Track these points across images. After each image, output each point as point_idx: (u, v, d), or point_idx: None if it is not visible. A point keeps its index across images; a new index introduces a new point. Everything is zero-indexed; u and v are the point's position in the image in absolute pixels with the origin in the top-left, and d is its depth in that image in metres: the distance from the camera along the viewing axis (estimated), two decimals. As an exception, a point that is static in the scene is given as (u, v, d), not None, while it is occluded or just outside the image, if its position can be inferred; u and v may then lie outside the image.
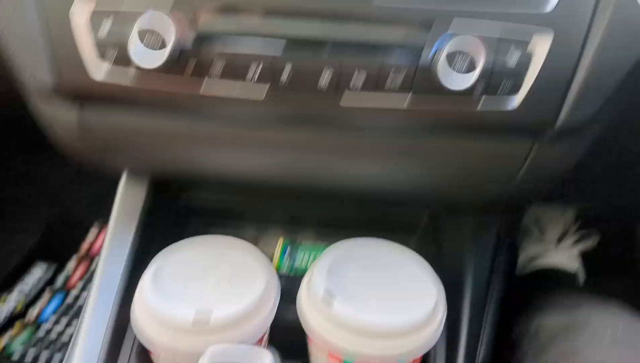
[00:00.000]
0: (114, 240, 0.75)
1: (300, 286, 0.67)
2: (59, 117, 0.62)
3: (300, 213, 0.83)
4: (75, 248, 1.52)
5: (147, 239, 0.76)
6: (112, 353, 0.67)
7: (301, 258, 0.81)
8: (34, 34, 0.55)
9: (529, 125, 0.57)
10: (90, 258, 1.50)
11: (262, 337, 0.66)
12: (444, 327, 0.66)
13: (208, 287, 0.66)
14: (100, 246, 0.77)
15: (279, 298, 0.67)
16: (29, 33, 0.55)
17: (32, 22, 0.55)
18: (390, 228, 0.79)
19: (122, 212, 0.77)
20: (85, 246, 1.53)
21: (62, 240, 1.54)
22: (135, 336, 0.65)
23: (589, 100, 0.55)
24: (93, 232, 1.56)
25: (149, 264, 0.68)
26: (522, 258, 1.07)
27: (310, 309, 0.63)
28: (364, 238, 0.71)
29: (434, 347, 0.66)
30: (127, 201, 0.77)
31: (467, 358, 0.69)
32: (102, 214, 1.42)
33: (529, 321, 0.79)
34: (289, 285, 0.70)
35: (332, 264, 0.66)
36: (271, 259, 0.77)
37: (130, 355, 0.68)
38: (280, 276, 0.70)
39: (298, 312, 0.65)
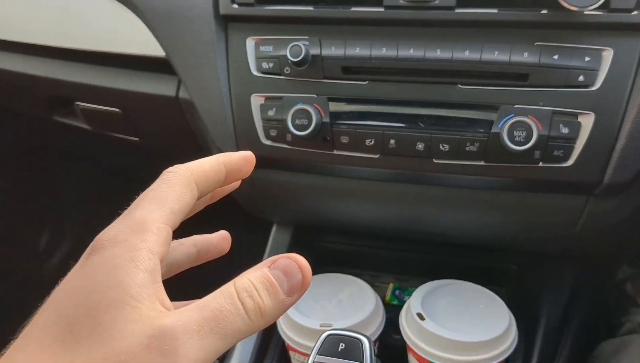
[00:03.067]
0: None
1: (402, 310, 0.86)
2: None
3: (408, 263, 1.03)
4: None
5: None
6: (262, 350, 0.89)
7: (407, 296, 0.99)
8: (226, 113, 0.82)
9: (581, 183, 0.72)
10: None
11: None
12: (517, 355, 0.80)
13: (330, 307, 0.87)
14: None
15: (384, 319, 0.86)
16: (221, 112, 0.83)
17: (225, 104, 0.82)
18: (483, 280, 0.94)
19: (272, 251, 1.01)
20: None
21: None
22: (279, 340, 0.87)
23: (629, 163, 0.70)
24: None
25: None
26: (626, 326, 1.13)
27: (408, 325, 0.81)
28: (451, 280, 0.89)
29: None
30: (276, 242, 1.01)
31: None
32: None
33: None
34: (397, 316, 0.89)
35: (425, 294, 0.84)
36: (384, 299, 0.96)
37: (274, 353, 0.90)
38: (391, 308, 0.89)
39: (400, 326, 0.83)
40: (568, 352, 0.89)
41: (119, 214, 0.36)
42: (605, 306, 1.03)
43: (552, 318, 0.87)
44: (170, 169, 0.39)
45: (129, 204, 0.37)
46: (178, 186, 0.38)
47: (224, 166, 0.41)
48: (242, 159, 0.43)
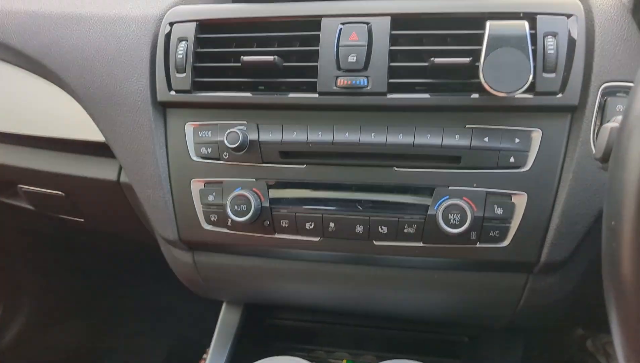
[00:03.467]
0: (214, 354, 0.96)
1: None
2: (179, 259, 0.88)
3: (362, 338, 1.01)
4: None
5: (239, 357, 0.97)
6: None
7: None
8: (166, 198, 0.81)
9: (519, 262, 0.73)
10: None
11: None
12: None
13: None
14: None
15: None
16: (161, 197, 0.82)
17: (165, 189, 0.82)
18: (438, 352, 0.93)
19: (221, 331, 0.99)
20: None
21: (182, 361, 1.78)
22: None
23: (565, 242, 0.71)
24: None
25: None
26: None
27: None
28: (403, 361, 0.87)
29: None
30: (225, 323, 0.99)
31: None
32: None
33: None
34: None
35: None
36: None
37: None
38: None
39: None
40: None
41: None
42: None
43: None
44: None
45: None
46: None
47: None
48: None
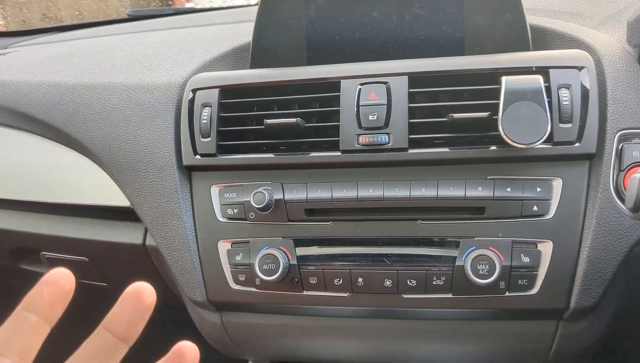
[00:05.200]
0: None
1: None
2: (207, 320, 0.88)
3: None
4: None
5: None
6: None
7: None
8: (193, 260, 0.82)
9: (549, 309, 0.73)
10: None
11: None
12: None
13: None
14: None
15: None
16: (189, 259, 0.83)
17: (192, 251, 0.83)
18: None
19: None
20: None
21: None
22: None
23: (593, 287, 0.72)
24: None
25: None
26: None
27: None
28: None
29: None
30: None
31: None
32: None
33: None
34: None
35: None
36: None
37: None
38: None
39: None
40: None
41: None
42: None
43: None
44: None
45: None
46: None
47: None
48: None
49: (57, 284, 0.40)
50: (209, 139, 0.81)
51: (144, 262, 0.92)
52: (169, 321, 1.35)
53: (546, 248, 0.72)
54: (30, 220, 0.99)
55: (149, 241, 0.90)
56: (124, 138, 0.87)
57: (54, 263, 1.03)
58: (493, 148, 0.73)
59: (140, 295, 0.41)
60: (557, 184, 0.73)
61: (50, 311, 0.40)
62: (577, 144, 0.71)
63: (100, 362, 0.40)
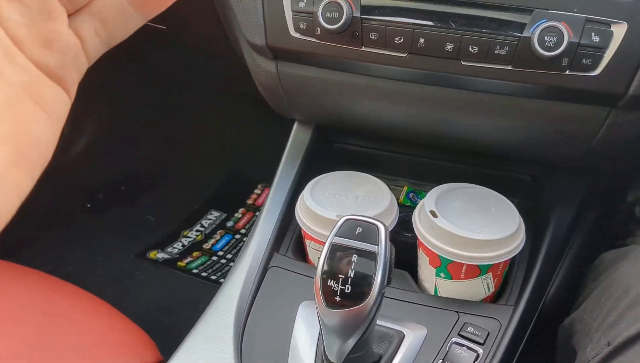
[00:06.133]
0: (284, 167, 1.02)
1: (415, 208, 0.89)
2: (263, 67, 0.90)
3: (423, 168, 1.05)
4: (242, 201, 1.86)
5: (307, 171, 1.02)
6: (278, 240, 0.93)
7: (420, 199, 1.02)
8: (257, 1, 0.82)
9: (606, 93, 0.73)
10: (254, 209, 1.83)
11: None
12: (522, 258, 0.84)
13: (347, 201, 0.90)
14: (264, 201, 1.03)
15: (397, 216, 0.89)
16: (252, 1, 0.83)
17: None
18: (496, 189, 0.96)
19: (292, 149, 1.04)
20: (251, 199, 1.87)
21: (232, 193, 1.89)
22: (295, 229, 0.92)
23: (657, 75, 0.71)
24: (258, 189, 1.89)
25: (309, 182, 0.93)
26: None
27: (421, 221, 0.85)
28: (466, 183, 0.91)
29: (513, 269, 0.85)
30: (296, 139, 1.04)
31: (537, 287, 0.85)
32: (265, 177, 1.75)
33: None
34: (409, 216, 0.92)
35: (439, 194, 0.87)
36: (398, 200, 0.99)
37: (290, 241, 0.94)
38: (403, 209, 0.93)
39: (412, 222, 0.86)
40: (570, 261, 0.92)
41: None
42: (611, 227, 1.06)
43: (558, 228, 0.90)
44: None
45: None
46: None
47: None
48: None
49: None
50: None
51: (204, 2, 0.92)
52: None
53: (619, 30, 0.70)
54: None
55: (213, -20, 0.89)
56: None
57: None
58: None
59: None
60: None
61: None
62: None
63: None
